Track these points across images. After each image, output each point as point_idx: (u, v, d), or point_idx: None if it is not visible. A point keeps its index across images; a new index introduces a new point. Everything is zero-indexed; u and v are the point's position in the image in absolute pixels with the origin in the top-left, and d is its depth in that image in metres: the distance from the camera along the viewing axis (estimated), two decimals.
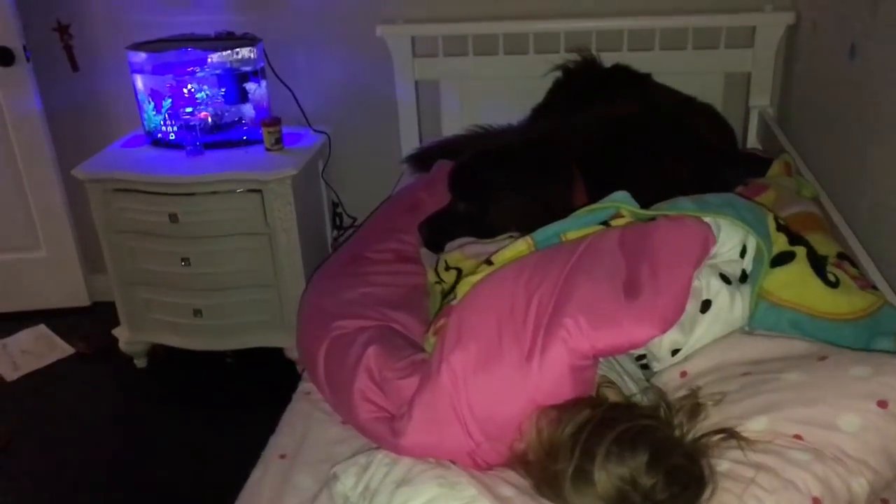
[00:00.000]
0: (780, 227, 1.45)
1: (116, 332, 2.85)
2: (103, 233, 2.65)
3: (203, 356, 2.80)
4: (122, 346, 2.85)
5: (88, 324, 3.15)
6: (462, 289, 1.41)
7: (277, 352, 2.76)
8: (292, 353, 2.74)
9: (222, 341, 2.74)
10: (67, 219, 3.12)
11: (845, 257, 1.61)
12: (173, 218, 2.53)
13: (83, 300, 3.27)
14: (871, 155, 1.82)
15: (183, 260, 2.59)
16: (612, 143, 1.94)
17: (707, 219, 1.37)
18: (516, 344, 1.22)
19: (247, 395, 2.75)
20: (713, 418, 1.20)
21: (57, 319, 3.19)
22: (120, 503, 2.33)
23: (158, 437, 2.58)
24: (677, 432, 1.18)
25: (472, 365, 1.23)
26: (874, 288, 1.52)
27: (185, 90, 2.64)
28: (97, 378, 2.89)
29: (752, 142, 2.60)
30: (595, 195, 1.62)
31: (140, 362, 2.89)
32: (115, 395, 2.83)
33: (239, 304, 2.68)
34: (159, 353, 2.90)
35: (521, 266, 1.36)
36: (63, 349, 3.02)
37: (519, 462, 1.20)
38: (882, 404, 1.13)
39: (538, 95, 2.52)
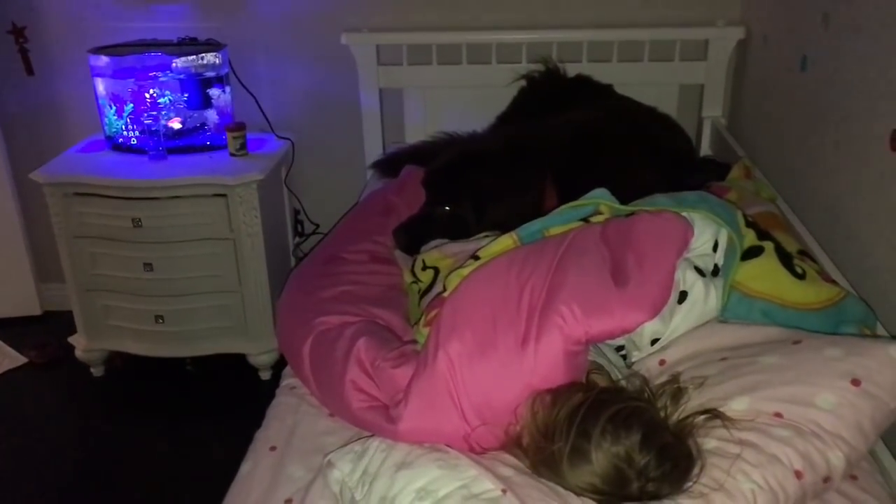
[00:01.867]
0: (748, 224, 1.54)
1: (73, 339, 2.79)
2: (62, 238, 2.60)
3: (163, 363, 2.77)
4: (78, 354, 2.79)
5: (40, 333, 3.08)
6: (452, 282, 1.45)
7: (239, 358, 2.74)
8: (255, 360, 2.73)
9: (184, 348, 2.71)
10: (20, 226, 3.05)
11: (805, 254, 1.70)
12: (136, 223, 2.50)
13: (34, 309, 3.20)
14: (822, 160, 1.93)
15: (146, 265, 2.56)
16: (582, 148, 2.00)
17: (683, 213, 1.44)
18: (511, 331, 1.27)
19: (208, 402, 2.73)
20: (696, 401, 1.26)
21: (6, 329, 3.10)
22: None
23: (118, 447, 2.53)
24: (662, 414, 1.24)
25: (467, 352, 1.27)
26: (833, 282, 1.62)
27: (147, 95, 2.62)
28: (52, 387, 2.83)
29: (706, 150, 2.71)
30: (565, 198, 1.68)
31: (97, 371, 2.84)
32: (71, 404, 2.77)
33: (202, 310, 2.66)
34: (117, 362, 2.85)
35: (510, 259, 1.41)
36: (14, 358, 2.94)
37: (514, 444, 1.24)
38: (855, 383, 1.20)
39: (500, 104, 2.58)
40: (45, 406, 2.75)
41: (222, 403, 2.72)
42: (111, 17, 2.80)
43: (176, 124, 2.65)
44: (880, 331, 1.51)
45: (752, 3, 2.58)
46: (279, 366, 2.61)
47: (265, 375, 2.76)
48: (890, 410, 1.22)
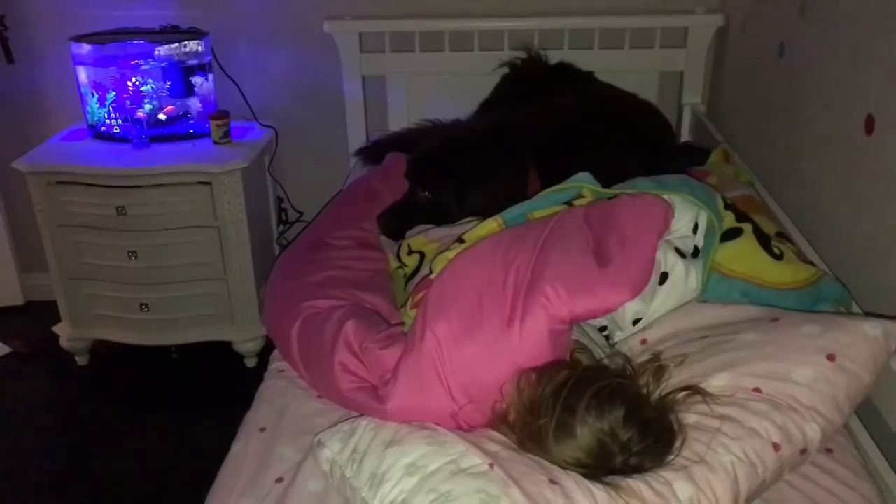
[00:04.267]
0: (727, 206, 1.57)
1: (57, 328, 2.79)
2: (45, 227, 2.60)
3: (148, 352, 2.78)
4: (63, 343, 2.79)
5: (24, 323, 3.08)
6: (438, 265, 1.47)
7: (224, 346, 2.75)
8: (241, 347, 2.74)
9: (169, 336, 2.72)
10: (1, 216, 3.04)
11: (783, 236, 1.74)
12: (120, 211, 2.51)
13: (17, 299, 3.19)
14: (799, 145, 1.97)
15: (130, 253, 2.57)
16: (563, 133, 2.02)
17: (664, 196, 1.47)
18: (497, 311, 1.29)
19: (194, 390, 2.74)
20: (677, 378, 1.30)
21: None
22: None
23: (104, 436, 2.54)
24: (645, 391, 1.27)
25: (454, 332, 1.29)
26: (810, 263, 1.65)
27: (129, 83, 2.62)
28: (37, 377, 2.83)
29: (685, 137, 2.74)
30: (547, 183, 1.71)
31: (82, 360, 2.84)
32: (56, 393, 2.77)
33: (187, 298, 2.66)
34: (101, 350, 2.85)
35: (495, 241, 1.43)
36: None
37: (501, 421, 1.27)
38: (831, 358, 1.24)
39: (483, 91, 2.60)
40: (31, 396, 2.75)
41: (208, 391, 2.73)
42: (92, 4, 2.78)
43: (163, 115, 2.65)
44: (855, 309, 1.55)
45: None
46: (265, 353, 2.63)
47: (251, 363, 2.78)
48: (864, 385, 1.26)
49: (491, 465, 1.16)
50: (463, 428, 1.30)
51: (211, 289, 2.67)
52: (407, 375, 1.31)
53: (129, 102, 2.62)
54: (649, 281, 1.35)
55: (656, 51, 2.69)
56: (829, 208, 1.78)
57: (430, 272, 1.49)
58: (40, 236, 2.63)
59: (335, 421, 1.42)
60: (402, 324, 1.51)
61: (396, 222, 1.95)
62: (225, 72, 2.79)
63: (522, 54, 2.55)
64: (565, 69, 2.51)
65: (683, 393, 1.26)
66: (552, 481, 1.14)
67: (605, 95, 2.35)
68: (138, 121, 2.61)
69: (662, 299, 1.45)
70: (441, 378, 1.28)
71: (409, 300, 1.48)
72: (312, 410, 1.51)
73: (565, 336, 1.31)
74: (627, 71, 2.69)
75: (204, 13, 2.79)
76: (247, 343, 2.73)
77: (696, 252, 1.50)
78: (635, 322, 1.46)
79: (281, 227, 3.05)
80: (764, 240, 1.53)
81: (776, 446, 1.19)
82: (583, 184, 1.56)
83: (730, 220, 1.54)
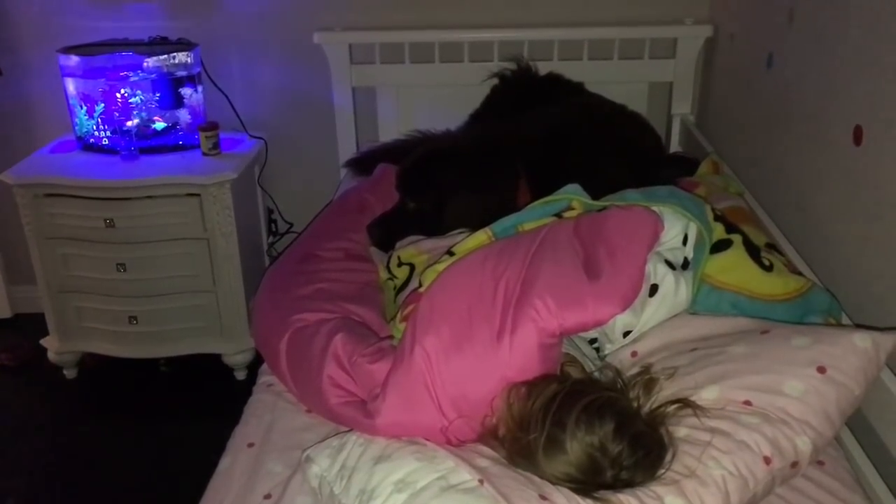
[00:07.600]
0: (717, 218, 1.57)
1: (45, 341, 2.77)
2: (33, 240, 2.58)
3: (136, 364, 2.75)
4: (50, 356, 2.77)
5: (11, 336, 3.05)
6: (428, 277, 1.46)
7: (213, 358, 2.73)
8: (230, 360, 2.73)
9: (158, 348, 2.70)
10: None
11: (772, 247, 1.74)
12: (109, 223, 2.49)
13: (5, 312, 3.17)
14: (788, 155, 1.97)
15: (119, 266, 2.55)
16: (554, 145, 2.02)
17: (653, 208, 1.47)
18: (487, 325, 1.29)
19: (183, 403, 2.72)
20: (667, 391, 1.29)
21: None
22: None
23: (92, 449, 2.51)
24: (635, 404, 1.26)
25: (444, 346, 1.29)
26: (799, 274, 1.65)
27: (118, 95, 2.61)
28: (25, 390, 2.81)
29: (675, 147, 2.75)
30: (538, 194, 1.71)
31: (70, 373, 2.82)
32: (44, 406, 2.74)
33: (176, 311, 2.65)
34: (89, 363, 2.83)
35: (485, 254, 1.43)
36: None
37: (491, 436, 1.26)
38: (821, 370, 1.24)
39: (473, 102, 2.60)
40: (18, 409, 2.73)
41: (197, 404, 2.71)
42: (81, 16, 2.77)
43: (159, 123, 2.64)
44: (845, 320, 1.55)
45: (719, 2, 2.62)
46: (254, 366, 2.62)
47: (240, 375, 2.76)
48: (854, 397, 1.26)
49: (481, 482, 1.14)
50: (452, 443, 1.29)
51: (200, 301, 2.65)
52: (396, 390, 1.30)
53: (117, 114, 2.61)
54: (639, 293, 1.34)
55: (645, 61, 2.70)
56: (819, 219, 1.78)
57: (420, 285, 1.48)
58: (28, 248, 2.61)
59: (324, 436, 1.41)
60: (392, 337, 1.50)
61: (386, 233, 1.94)
62: (214, 83, 2.78)
63: (512, 65, 2.55)
64: (555, 80, 2.51)
65: (674, 406, 1.25)
66: (542, 497, 1.13)
67: (594, 107, 2.35)
68: (127, 132, 2.60)
69: (652, 311, 1.45)
70: (430, 392, 1.27)
71: (399, 313, 1.47)
72: (301, 425, 1.50)
73: (555, 349, 1.30)
74: (617, 82, 2.69)
75: (193, 24, 2.78)
76: (236, 356, 2.72)
77: (685, 264, 1.50)
78: (625, 334, 1.46)
79: (271, 238, 3.04)
80: (754, 251, 1.53)
81: (767, 459, 1.19)
82: (572, 196, 1.56)
83: (719, 231, 1.54)
